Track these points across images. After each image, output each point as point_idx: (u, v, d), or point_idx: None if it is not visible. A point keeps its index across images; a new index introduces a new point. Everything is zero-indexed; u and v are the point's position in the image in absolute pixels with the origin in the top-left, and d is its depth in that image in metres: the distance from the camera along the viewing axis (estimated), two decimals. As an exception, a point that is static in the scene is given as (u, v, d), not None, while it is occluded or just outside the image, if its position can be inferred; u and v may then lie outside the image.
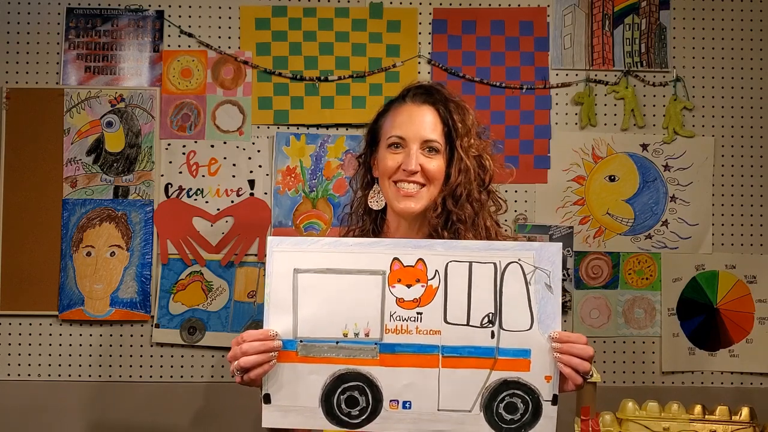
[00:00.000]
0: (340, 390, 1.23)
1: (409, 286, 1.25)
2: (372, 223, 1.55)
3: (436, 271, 1.25)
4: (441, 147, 1.48)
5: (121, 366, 2.34)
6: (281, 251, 1.25)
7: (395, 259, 1.25)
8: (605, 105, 2.42)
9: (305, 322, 1.24)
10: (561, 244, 1.25)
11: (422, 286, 1.25)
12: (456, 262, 1.24)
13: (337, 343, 1.24)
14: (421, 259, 1.25)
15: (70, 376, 2.34)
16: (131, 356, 2.34)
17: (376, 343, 1.23)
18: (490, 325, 1.23)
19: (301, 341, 1.25)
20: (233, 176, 2.38)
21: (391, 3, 2.42)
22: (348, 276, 1.24)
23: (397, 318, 1.24)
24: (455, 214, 1.46)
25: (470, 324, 1.23)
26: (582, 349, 1.23)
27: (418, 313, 1.24)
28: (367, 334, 1.23)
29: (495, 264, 1.23)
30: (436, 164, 1.47)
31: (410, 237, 1.50)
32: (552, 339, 1.24)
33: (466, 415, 1.22)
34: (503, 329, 1.23)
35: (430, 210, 1.48)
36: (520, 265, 1.23)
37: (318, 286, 1.24)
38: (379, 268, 1.24)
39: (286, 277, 1.24)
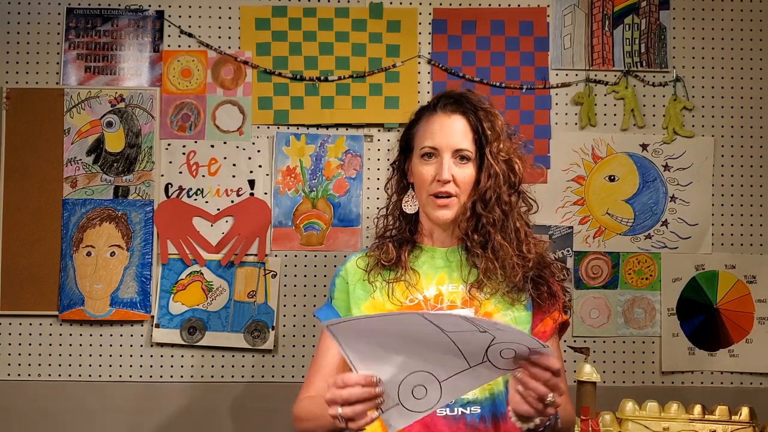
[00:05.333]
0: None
1: None
2: (408, 225, 1.62)
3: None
4: (472, 155, 1.53)
5: (121, 366, 2.34)
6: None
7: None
8: (605, 105, 2.42)
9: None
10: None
11: None
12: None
13: None
14: None
15: (70, 376, 2.34)
16: (131, 356, 2.34)
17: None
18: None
19: None
20: (233, 176, 2.38)
21: (391, 3, 2.42)
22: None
23: None
24: (485, 218, 1.51)
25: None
26: (537, 372, 1.23)
27: None
28: None
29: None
30: (467, 172, 1.52)
31: (443, 240, 1.58)
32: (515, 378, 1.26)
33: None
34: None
35: (461, 215, 1.53)
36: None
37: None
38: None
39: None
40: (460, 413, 1.46)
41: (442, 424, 1.45)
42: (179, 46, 2.40)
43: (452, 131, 1.53)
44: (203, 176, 2.38)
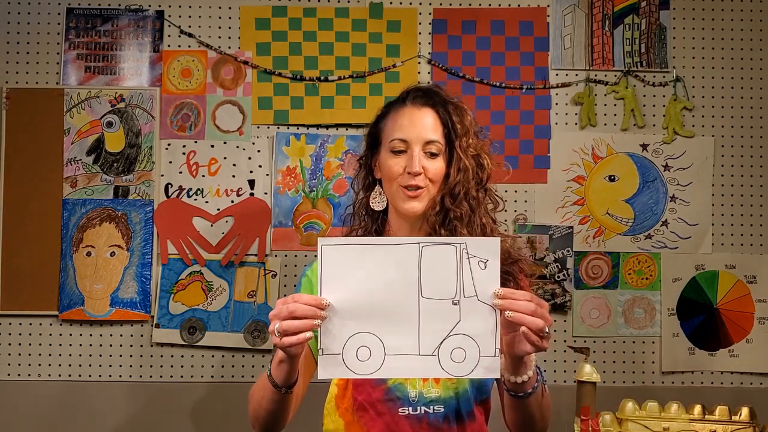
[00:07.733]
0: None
1: None
2: (374, 224, 1.60)
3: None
4: (442, 147, 1.52)
5: (121, 366, 2.34)
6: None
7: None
8: (605, 105, 2.42)
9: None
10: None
11: None
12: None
13: None
14: None
15: (70, 376, 2.34)
16: (131, 356, 2.34)
17: None
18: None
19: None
20: (233, 176, 2.38)
21: (391, 3, 2.42)
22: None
23: None
24: (452, 212, 1.50)
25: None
26: (523, 305, 1.24)
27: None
28: None
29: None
30: (437, 165, 1.51)
31: (411, 236, 1.53)
32: (495, 295, 1.26)
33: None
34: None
35: (430, 209, 1.51)
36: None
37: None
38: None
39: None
40: (423, 412, 1.46)
41: (404, 424, 1.45)
42: (179, 46, 2.40)
43: (422, 124, 1.51)
44: (203, 176, 2.38)
